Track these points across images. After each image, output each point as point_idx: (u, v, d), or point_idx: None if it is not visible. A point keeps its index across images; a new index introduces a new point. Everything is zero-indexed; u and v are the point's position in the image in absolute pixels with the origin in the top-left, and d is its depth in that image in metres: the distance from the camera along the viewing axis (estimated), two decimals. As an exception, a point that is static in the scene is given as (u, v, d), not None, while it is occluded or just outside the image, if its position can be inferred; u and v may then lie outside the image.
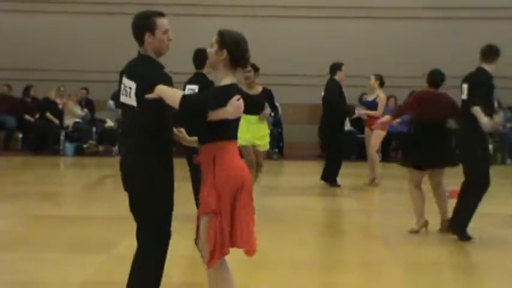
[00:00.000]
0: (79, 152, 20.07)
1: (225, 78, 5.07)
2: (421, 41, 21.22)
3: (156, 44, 5.12)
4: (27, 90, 20.92)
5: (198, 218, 5.10)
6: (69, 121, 20.16)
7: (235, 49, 5.07)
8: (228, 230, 4.94)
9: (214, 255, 4.92)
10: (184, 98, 4.85)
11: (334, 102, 13.89)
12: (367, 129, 14.59)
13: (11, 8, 21.82)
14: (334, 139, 13.97)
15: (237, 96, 4.94)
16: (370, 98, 14.49)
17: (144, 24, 5.11)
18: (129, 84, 5.06)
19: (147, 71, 5.06)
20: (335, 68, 14.18)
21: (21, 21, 21.82)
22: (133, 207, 5.20)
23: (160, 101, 4.92)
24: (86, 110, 20.56)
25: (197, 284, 6.73)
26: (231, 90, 4.99)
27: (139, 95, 4.99)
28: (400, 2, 21.81)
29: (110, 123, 20.43)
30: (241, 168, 5.06)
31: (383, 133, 14.15)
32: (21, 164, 18.52)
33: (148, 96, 4.93)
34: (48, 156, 19.29)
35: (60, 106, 20.41)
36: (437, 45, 21.22)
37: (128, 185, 5.19)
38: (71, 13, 21.80)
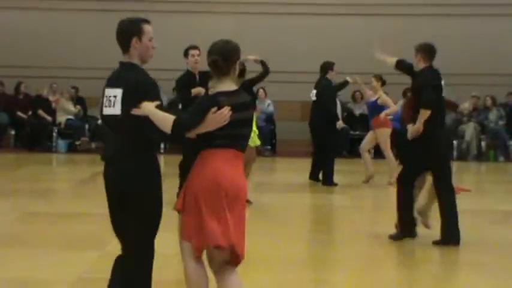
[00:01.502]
0: (72, 148, 20.04)
1: (218, 85, 5.15)
2: (415, 38, 21.20)
3: (143, 51, 5.08)
4: (18, 87, 20.88)
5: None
6: (61, 118, 20.13)
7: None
8: (194, 229, 5.06)
9: (198, 248, 5.10)
10: (176, 125, 4.85)
11: (330, 106, 13.89)
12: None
13: (1, 5, 21.76)
14: (327, 139, 13.91)
15: (213, 109, 4.92)
16: (372, 98, 14.29)
17: (131, 30, 5.07)
18: (114, 93, 5.01)
19: (133, 76, 5.02)
20: (327, 67, 14.12)
21: (12, 18, 21.76)
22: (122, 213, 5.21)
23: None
24: (78, 106, 20.53)
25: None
26: (211, 102, 4.99)
27: (125, 101, 4.94)
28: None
29: (102, 120, 20.39)
30: (222, 175, 5.02)
31: (388, 130, 14.08)
32: (13, 161, 18.48)
33: (135, 112, 4.90)
34: (40, 153, 19.26)
35: (52, 103, 20.39)
36: (437, 42, 21.24)
37: (115, 192, 5.20)
38: (62, 10, 21.74)
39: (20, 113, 20.49)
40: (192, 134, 4.97)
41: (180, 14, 21.01)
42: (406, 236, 8.84)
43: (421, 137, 8.66)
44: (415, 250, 8.62)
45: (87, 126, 20.38)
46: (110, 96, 5.05)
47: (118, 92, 4.99)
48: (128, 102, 4.93)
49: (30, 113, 20.50)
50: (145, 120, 4.86)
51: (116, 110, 5.00)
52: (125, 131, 5.03)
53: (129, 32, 5.07)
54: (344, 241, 9.26)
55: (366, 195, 13.58)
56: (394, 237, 8.88)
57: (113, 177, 5.12)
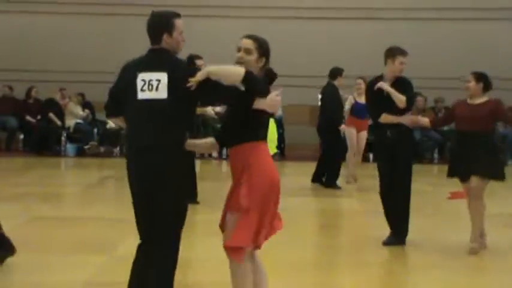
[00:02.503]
0: (80, 153, 20.08)
1: None
2: (421, 42, 21.23)
3: (173, 45, 5.17)
4: (29, 91, 20.92)
5: (225, 212, 5.26)
6: (70, 122, 20.17)
7: (269, 57, 5.29)
8: (255, 227, 5.07)
9: (242, 251, 5.10)
10: (249, 72, 4.99)
11: (331, 111, 13.98)
12: (352, 131, 14.52)
13: (12, 9, 21.85)
14: (331, 142, 14.01)
15: (275, 92, 5.09)
16: (360, 100, 14.24)
17: (162, 25, 5.15)
18: (157, 77, 4.98)
19: (177, 60, 5.16)
20: (336, 73, 14.16)
21: (21, 23, 21.84)
22: (150, 207, 5.08)
23: (194, 92, 4.96)
24: (87, 110, 20.57)
25: (198, 285, 6.74)
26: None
27: (172, 84, 4.97)
28: (400, 3, 21.83)
29: (111, 124, 20.40)
30: (275, 169, 5.20)
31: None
32: (22, 165, 18.52)
33: (195, 79, 4.93)
34: (49, 157, 19.31)
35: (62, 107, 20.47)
36: (437, 46, 21.25)
37: (149, 184, 5.05)
38: (71, 14, 21.82)
39: (29, 117, 20.54)
40: (256, 105, 5.03)
41: (193, 19, 21.03)
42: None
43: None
44: (423, 255, 8.60)
45: (95, 130, 20.42)
46: (151, 80, 4.99)
47: (162, 76, 4.97)
48: (176, 85, 4.95)
49: (39, 117, 20.55)
50: (196, 93, 4.94)
51: (160, 94, 4.97)
52: (169, 117, 5.00)
53: (160, 27, 5.14)
54: (351, 245, 9.25)
55: (374, 199, 13.52)
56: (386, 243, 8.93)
57: (146, 167, 5.01)
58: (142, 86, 5.00)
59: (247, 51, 5.18)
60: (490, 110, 8.50)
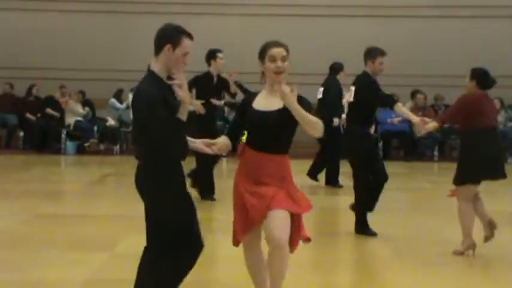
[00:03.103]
0: (80, 150, 20.09)
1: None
2: (422, 40, 21.25)
3: (171, 61, 4.93)
4: (30, 89, 20.92)
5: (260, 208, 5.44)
6: (70, 119, 20.17)
7: None
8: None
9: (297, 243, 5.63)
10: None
11: (331, 105, 13.82)
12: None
13: (13, 7, 21.84)
14: (331, 139, 13.92)
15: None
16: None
17: (169, 36, 4.93)
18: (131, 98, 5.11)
19: (140, 86, 4.98)
20: (338, 68, 14.14)
21: (23, 20, 21.84)
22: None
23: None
24: (87, 108, 20.58)
25: (199, 282, 6.75)
26: None
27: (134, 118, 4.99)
28: (401, 1, 21.84)
29: (111, 121, 20.44)
30: None
31: None
32: (22, 162, 18.53)
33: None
34: (49, 155, 19.33)
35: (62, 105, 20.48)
36: (438, 43, 21.25)
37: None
38: (72, 12, 21.84)
39: (29, 115, 20.54)
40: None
41: (188, 16, 21.01)
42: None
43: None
44: (423, 252, 8.60)
45: (95, 127, 20.42)
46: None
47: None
48: (138, 122, 4.95)
49: (39, 114, 20.56)
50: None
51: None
52: (134, 135, 5.12)
53: (166, 36, 4.94)
54: (352, 243, 9.26)
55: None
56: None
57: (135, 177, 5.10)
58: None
59: (284, 59, 5.49)
60: None
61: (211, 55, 11.71)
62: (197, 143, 5.36)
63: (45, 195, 12.65)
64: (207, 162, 11.31)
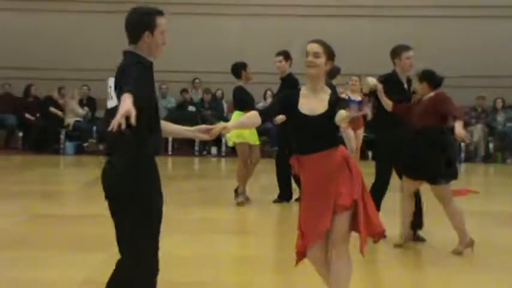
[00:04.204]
0: (79, 150, 20.08)
1: (325, 87, 5.55)
2: (422, 40, 21.22)
3: (153, 46, 4.70)
4: (27, 89, 20.90)
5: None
6: (70, 120, 20.17)
7: (333, 59, 5.60)
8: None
9: (366, 241, 5.62)
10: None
11: None
12: (350, 132, 14.67)
13: (11, 7, 21.83)
14: None
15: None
16: (354, 97, 14.39)
17: (144, 23, 4.67)
18: (111, 82, 4.76)
19: (123, 61, 4.67)
20: (335, 72, 14.14)
21: (22, 20, 21.83)
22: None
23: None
24: (86, 108, 20.57)
25: (200, 283, 6.74)
26: None
27: (116, 89, 4.52)
28: (402, 1, 21.82)
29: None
30: None
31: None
32: (21, 163, 18.53)
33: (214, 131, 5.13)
34: (48, 155, 19.31)
35: (61, 103, 20.49)
36: (438, 44, 21.23)
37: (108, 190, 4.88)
38: (71, 12, 21.81)
39: (28, 115, 20.53)
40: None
41: (188, 16, 21.01)
42: None
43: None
44: (420, 252, 8.61)
45: (94, 128, 20.40)
46: (110, 87, 4.80)
47: (111, 82, 4.70)
48: (116, 90, 4.52)
49: (38, 114, 20.55)
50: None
51: (113, 102, 4.70)
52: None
53: (141, 24, 4.68)
54: (351, 243, 9.23)
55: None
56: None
57: (104, 177, 4.82)
58: (108, 95, 4.86)
59: (316, 55, 5.48)
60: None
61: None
62: (192, 131, 5.19)
63: (43, 195, 12.65)
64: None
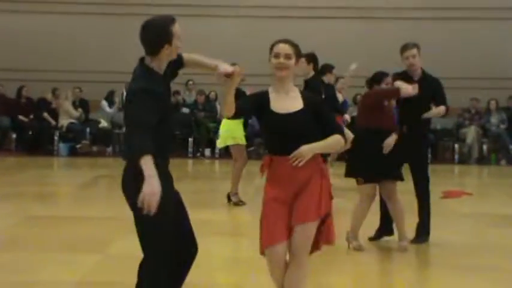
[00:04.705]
0: (73, 152, 20.06)
1: (293, 86, 5.45)
2: (413, 41, 21.25)
3: (172, 53, 4.84)
4: (19, 90, 20.87)
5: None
6: (64, 121, 20.15)
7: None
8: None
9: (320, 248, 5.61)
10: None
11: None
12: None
13: (4, 8, 21.81)
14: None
15: None
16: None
17: (161, 37, 4.75)
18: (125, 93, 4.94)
19: (134, 83, 4.76)
20: (326, 69, 14.17)
21: (15, 22, 21.82)
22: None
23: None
24: (80, 110, 20.55)
25: (193, 285, 6.73)
26: None
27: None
28: (394, 2, 21.87)
29: (103, 123, 20.43)
30: None
31: None
32: (15, 164, 18.50)
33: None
34: (42, 157, 19.28)
35: (54, 106, 20.46)
36: (431, 45, 21.26)
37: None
38: (64, 13, 21.81)
39: (21, 117, 20.50)
40: None
41: (181, 18, 20.95)
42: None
43: None
44: (415, 253, 8.61)
45: (88, 129, 20.38)
46: (123, 94, 4.94)
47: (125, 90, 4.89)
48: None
49: (31, 116, 20.53)
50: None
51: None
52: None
53: (159, 39, 4.74)
54: (344, 245, 9.25)
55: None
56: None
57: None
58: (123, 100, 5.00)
59: (288, 57, 5.32)
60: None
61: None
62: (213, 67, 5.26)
63: (37, 197, 12.64)
64: None
